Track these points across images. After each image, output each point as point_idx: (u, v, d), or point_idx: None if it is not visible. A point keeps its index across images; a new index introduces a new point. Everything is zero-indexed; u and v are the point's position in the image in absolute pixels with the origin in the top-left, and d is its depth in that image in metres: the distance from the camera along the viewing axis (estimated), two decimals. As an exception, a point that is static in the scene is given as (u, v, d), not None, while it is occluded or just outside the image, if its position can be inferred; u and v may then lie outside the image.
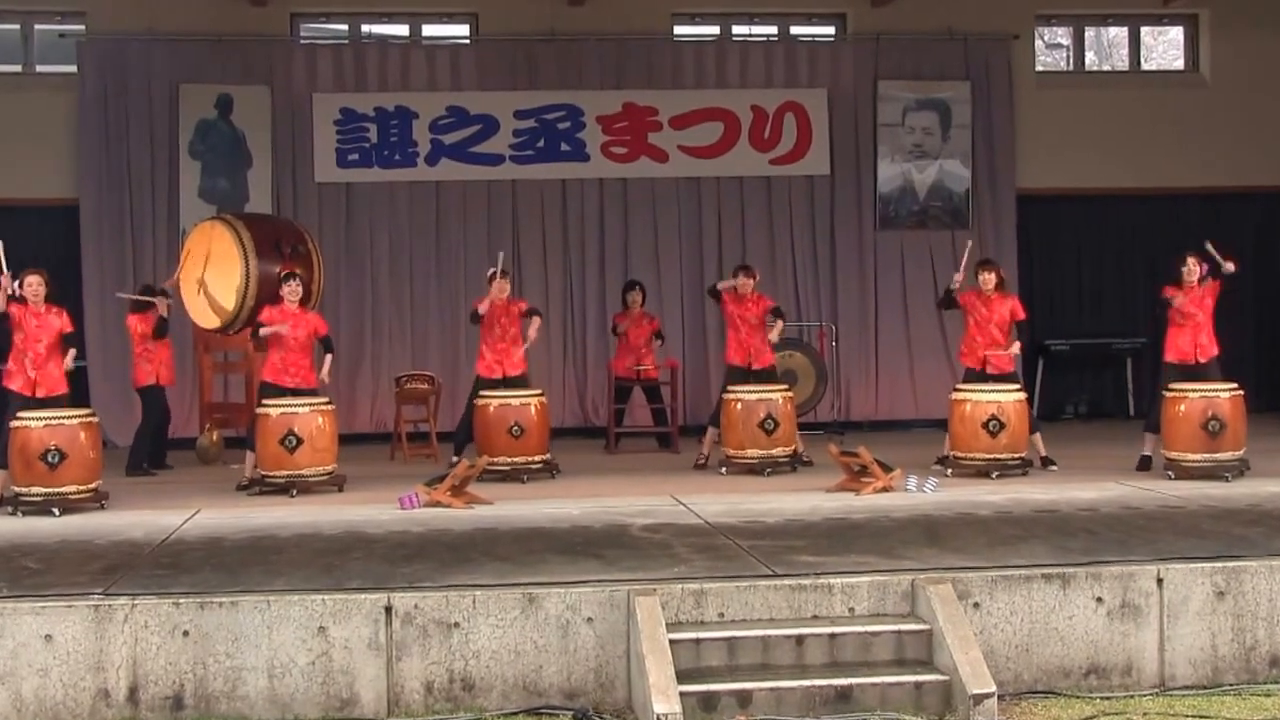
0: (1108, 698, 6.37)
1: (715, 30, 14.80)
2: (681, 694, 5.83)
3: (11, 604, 6.18)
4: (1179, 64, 15.87)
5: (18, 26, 14.10)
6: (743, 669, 6.17)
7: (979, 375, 10.32)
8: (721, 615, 6.36)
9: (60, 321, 9.36)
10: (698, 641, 6.20)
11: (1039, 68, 15.27)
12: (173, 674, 6.13)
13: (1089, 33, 15.88)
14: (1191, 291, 9.98)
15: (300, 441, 9.45)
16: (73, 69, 13.67)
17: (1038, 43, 15.46)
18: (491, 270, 10.96)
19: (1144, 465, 10.12)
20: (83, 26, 13.84)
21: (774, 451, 10.37)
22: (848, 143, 14.43)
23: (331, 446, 9.69)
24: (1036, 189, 14.56)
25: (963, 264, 10.57)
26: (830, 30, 14.93)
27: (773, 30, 14.82)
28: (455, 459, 10.35)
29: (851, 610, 6.43)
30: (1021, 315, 10.50)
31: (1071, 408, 14.83)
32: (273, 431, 9.48)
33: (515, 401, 10.31)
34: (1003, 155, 14.55)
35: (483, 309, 10.73)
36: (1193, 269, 9.97)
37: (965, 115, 14.43)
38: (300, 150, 13.87)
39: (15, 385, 9.24)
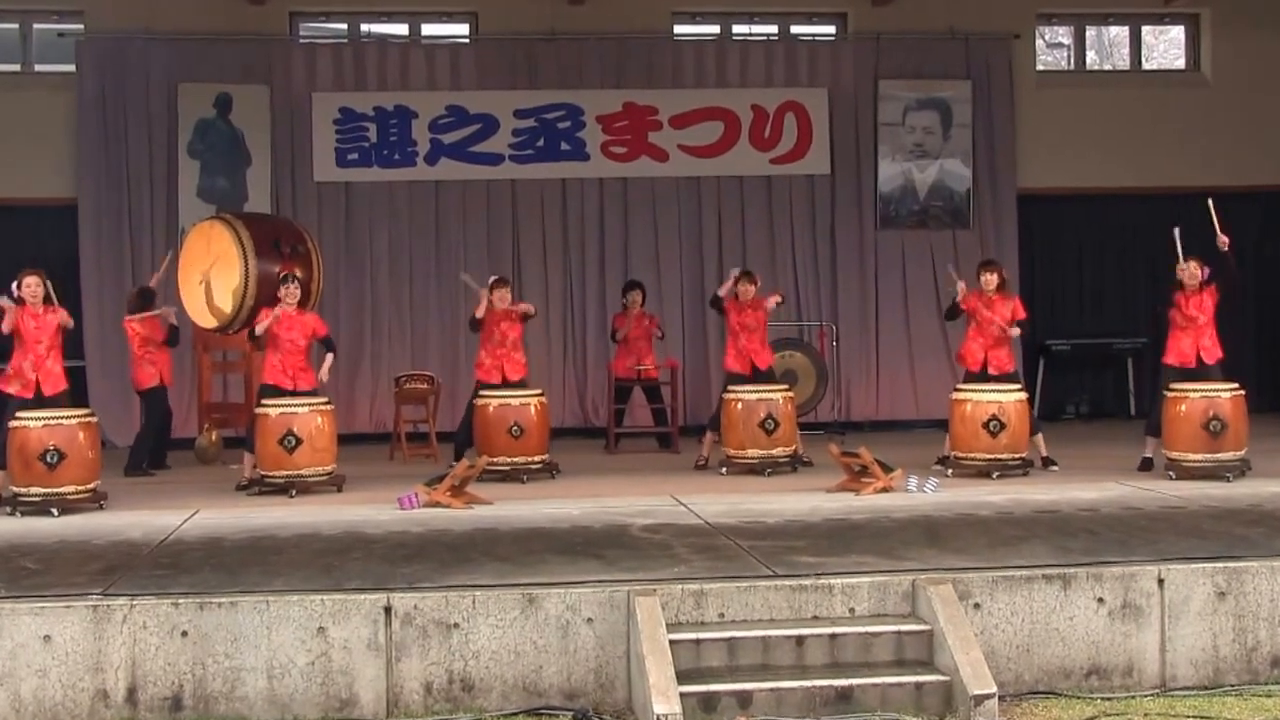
0: (1109, 698, 6.36)
1: (715, 29, 14.78)
2: (682, 694, 5.82)
3: (10, 604, 6.16)
4: (1180, 63, 15.85)
5: (16, 26, 14.09)
6: (743, 669, 6.16)
7: (979, 376, 10.31)
8: (722, 616, 6.35)
9: (57, 317, 9.33)
10: (698, 642, 6.19)
11: (1040, 67, 15.27)
12: (171, 675, 6.12)
13: (1090, 32, 15.85)
14: (1194, 295, 9.95)
15: (299, 441, 9.44)
16: (71, 68, 13.65)
17: (1039, 42, 15.44)
18: (493, 277, 10.92)
19: (1145, 466, 10.10)
20: (81, 26, 13.82)
21: (774, 452, 10.35)
22: (848, 142, 14.42)
23: (331, 446, 9.67)
24: (1037, 188, 14.55)
25: (960, 286, 10.50)
26: (831, 29, 14.92)
27: (773, 29, 14.81)
28: (454, 465, 10.31)
29: (852, 611, 6.42)
30: (1022, 315, 10.49)
31: (1072, 408, 14.82)
32: (272, 431, 9.47)
33: (515, 401, 10.30)
34: (1003, 155, 14.54)
35: (480, 313, 10.69)
36: (1194, 273, 9.94)
37: (966, 115, 14.42)
38: (299, 150, 13.86)
39: (13, 389, 9.21)
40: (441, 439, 11.87)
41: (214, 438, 11.91)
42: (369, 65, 14.07)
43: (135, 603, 6.17)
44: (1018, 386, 10.18)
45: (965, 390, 10.09)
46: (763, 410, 10.34)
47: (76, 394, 10.05)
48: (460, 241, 14.03)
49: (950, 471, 9.89)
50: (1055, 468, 10.30)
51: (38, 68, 14.14)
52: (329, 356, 10.17)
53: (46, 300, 9.31)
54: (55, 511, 8.71)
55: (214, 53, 13.64)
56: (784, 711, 5.98)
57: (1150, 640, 6.52)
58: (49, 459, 8.72)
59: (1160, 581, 6.55)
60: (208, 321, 11.36)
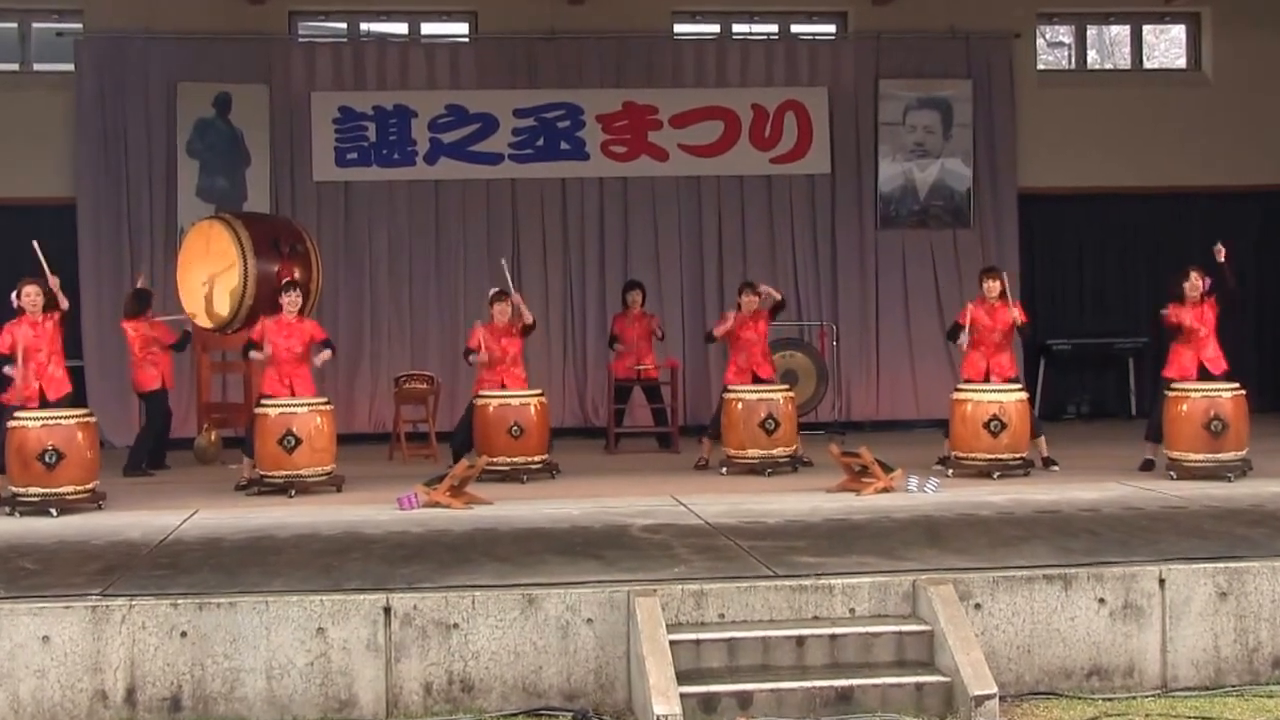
0: (1110, 699, 6.35)
1: (716, 28, 14.77)
2: (682, 695, 5.81)
3: (9, 605, 6.15)
4: (1181, 63, 15.84)
5: (15, 25, 14.07)
6: (743, 670, 6.15)
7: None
8: (722, 616, 6.34)
9: (55, 320, 9.29)
10: (698, 642, 6.18)
11: (1041, 66, 15.25)
12: (170, 675, 6.11)
13: (1091, 31, 15.83)
14: (1194, 307, 9.92)
15: (299, 441, 9.42)
16: (70, 67, 13.64)
17: (1039, 41, 15.43)
18: (494, 290, 10.88)
19: (1146, 466, 10.08)
20: (80, 25, 13.80)
21: (775, 452, 10.34)
22: (849, 141, 14.40)
23: (330, 446, 9.66)
24: (1038, 188, 14.53)
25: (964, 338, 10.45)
26: (831, 28, 14.90)
27: (773, 28, 14.79)
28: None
29: (852, 611, 6.41)
30: (1024, 319, 10.44)
31: (1073, 408, 14.80)
32: (271, 431, 9.45)
33: (515, 401, 10.28)
34: (1004, 154, 14.53)
35: (475, 345, 10.53)
36: (1195, 283, 9.90)
37: (967, 114, 14.40)
38: (299, 149, 13.84)
39: (16, 400, 9.17)
40: (441, 439, 11.85)
41: (213, 438, 11.89)
42: (368, 64, 14.05)
43: (134, 603, 6.16)
44: (1018, 386, 10.17)
45: (966, 390, 10.08)
46: (763, 410, 10.32)
47: (75, 394, 10.01)
48: (460, 241, 14.02)
49: (951, 471, 9.87)
50: (1056, 468, 10.28)
51: (36, 67, 14.13)
52: (326, 350, 10.14)
53: (46, 308, 9.25)
54: (54, 512, 8.70)
55: (213, 52, 13.63)
56: (784, 712, 5.97)
57: (1151, 641, 6.51)
58: (47, 459, 8.70)
59: (1161, 582, 6.54)
60: (205, 321, 11.36)
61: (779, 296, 11.17)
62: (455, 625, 6.20)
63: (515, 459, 10.12)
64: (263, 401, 9.70)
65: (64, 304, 9.36)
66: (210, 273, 11.32)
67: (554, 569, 6.70)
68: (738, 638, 6.23)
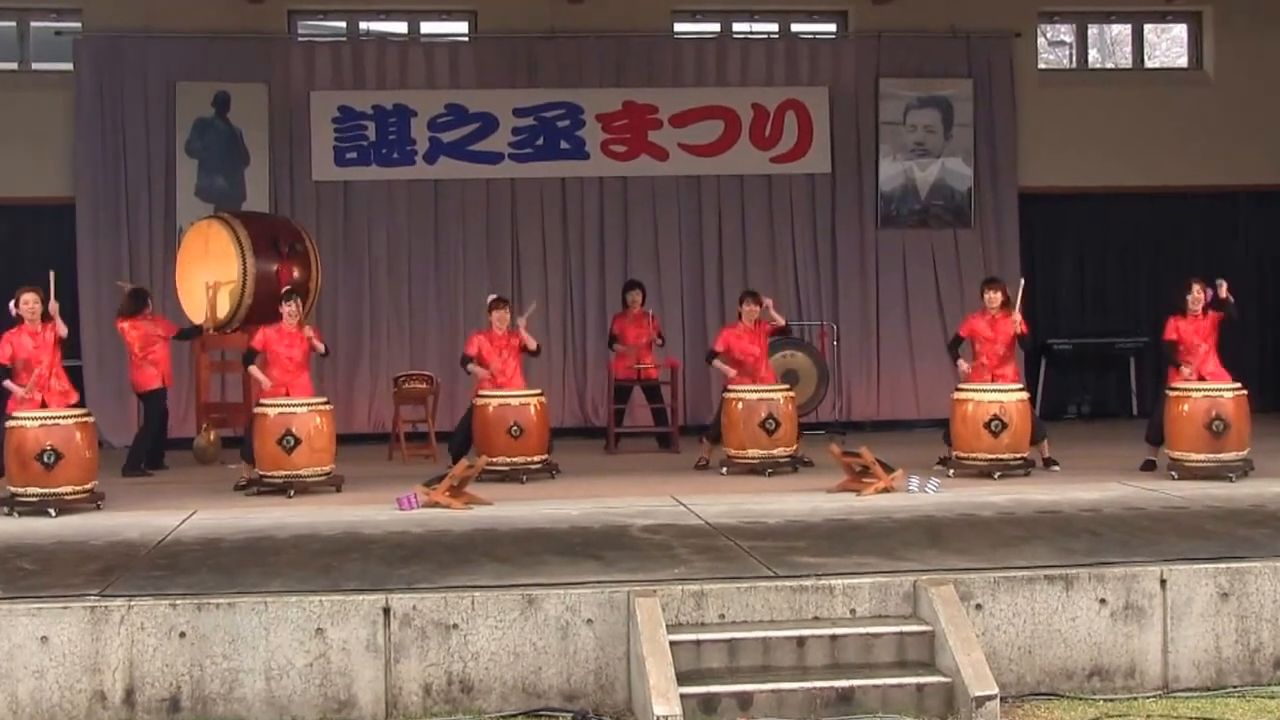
0: (1111, 699, 6.33)
1: (716, 27, 14.75)
2: (682, 696, 5.80)
3: (7, 605, 6.13)
4: (1182, 62, 15.82)
5: (13, 24, 14.05)
6: (743, 671, 6.13)
7: None
8: (722, 617, 6.32)
9: (55, 334, 9.18)
10: (698, 643, 6.16)
11: (1041, 65, 15.24)
12: (169, 676, 6.09)
13: (1092, 30, 15.81)
14: (1195, 320, 9.89)
15: (298, 442, 9.40)
16: (69, 67, 13.62)
17: (1040, 40, 15.41)
18: (492, 297, 10.85)
19: (1148, 466, 10.07)
20: (79, 24, 13.78)
21: (775, 452, 10.32)
22: (849, 141, 14.39)
23: (329, 447, 9.64)
24: (1039, 187, 14.52)
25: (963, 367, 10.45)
26: (832, 27, 14.89)
27: (774, 27, 14.78)
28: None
29: (853, 611, 6.39)
30: (1025, 331, 10.39)
31: (1074, 407, 14.78)
32: (270, 431, 9.44)
33: (515, 401, 10.26)
34: (1005, 153, 14.51)
35: (472, 351, 10.54)
36: (1197, 296, 9.87)
37: (967, 113, 14.38)
38: (298, 148, 13.82)
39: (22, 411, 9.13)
40: (440, 439, 11.83)
41: (212, 438, 11.87)
42: (368, 64, 14.03)
43: (133, 604, 6.14)
44: (1019, 386, 10.14)
45: (967, 390, 10.06)
46: (763, 410, 10.30)
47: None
48: (459, 240, 14.00)
49: (952, 472, 9.86)
50: (1057, 468, 10.26)
51: (35, 66, 14.11)
52: (320, 345, 10.11)
53: (45, 317, 9.18)
54: (52, 512, 8.68)
55: (212, 51, 13.61)
56: (785, 713, 5.96)
57: (1153, 641, 6.50)
58: (46, 459, 8.68)
59: (1163, 582, 6.53)
60: (203, 320, 11.34)
61: (781, 323, 11.02)
62: (455, 626, 6.19)
63: (515, 459, 10.10)
64: (262, 401, 9.69)
65: (62, 331, 9.24)
66: (211, 274, 11.30)
67: (554, 569, 6.69)
68: (738, 638, 6.21)
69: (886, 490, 9.04)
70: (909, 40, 14.35)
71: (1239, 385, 9.65)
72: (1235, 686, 6.48)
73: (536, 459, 10.23)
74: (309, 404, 9.63)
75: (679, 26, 14.56)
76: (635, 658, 6.08)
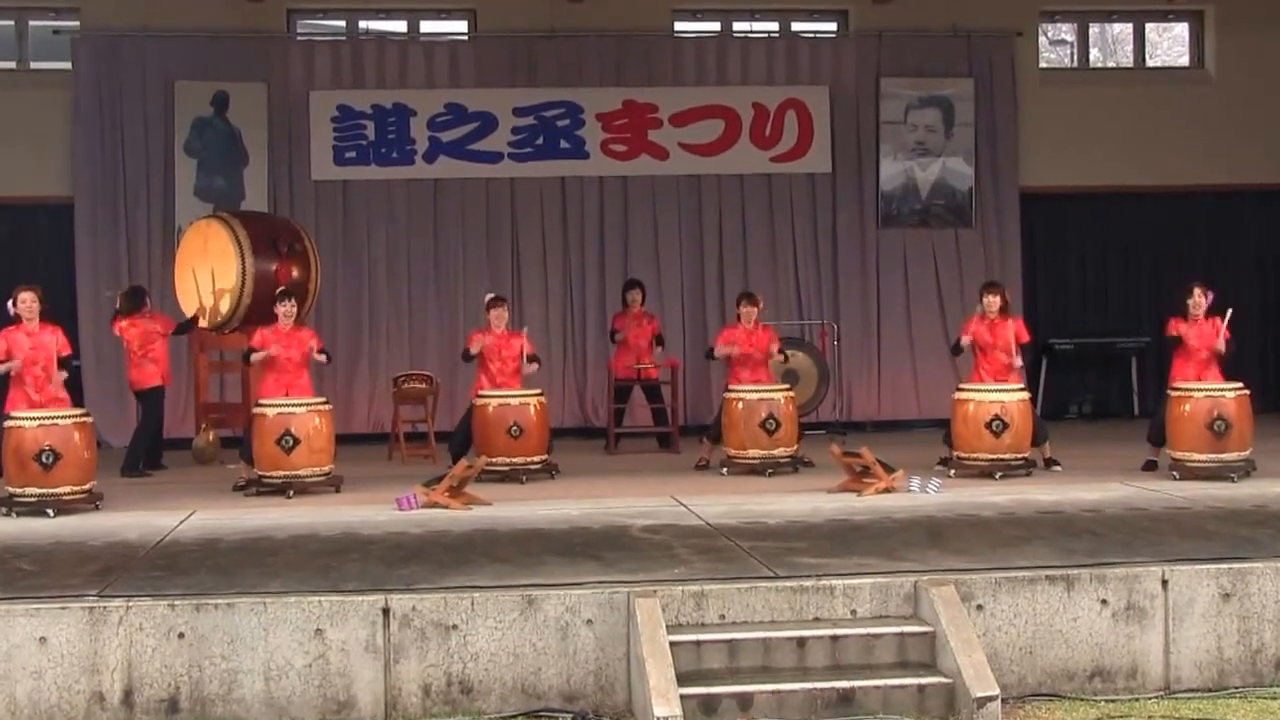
0: (1112, 700, 6.32)
1: (716, 26, 14.74)
2: (682, 696, 5.78)
3: (5, 606, 6.12)
4: (1184, 61, 15.79)
5: (12, 23, 14.04)
6: (744, 671, 6.12)
7: None
8: (722, 617, 6.31)
9: (56, 341, 9.14)
10: (698, 644, 6.15)
11: (1043, 64, 15.21)
12: (168, 677, 6.08)
13: (1093, 29, 15.80)
14: (1196, 324, 9.86)
15: (297, 442, 9.38)
16: (67, 66, 13.60)
17: (1041, 39, 15.39)
18: (490, 296, 10.83)
19: (1149, 467, 10.05)
20: (77, 23, 13.76)
21: (775, 452, 10.30)
22: (850, 140, 14.37)
23: (328, 447, 9.62)
24: (1040, 187, 14.50)
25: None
26: (832, 26, 14.88)
27: (774, 26, 14.76)
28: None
29: (854, 612, 6.38)
30: (1026, 338, 10.36)
31: (1075, 407, 14.75)
32: (269, 432, 9.42)
33: (514, 401, 10.24)
34: (1006, 153, 14.49)
35: (475, 349, 10.55)
36: (1199, 300, 9.84)
37: (968, 112, 14.36)
38: (297, 148, 13.81)
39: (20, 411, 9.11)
40: (440, 439, 11.81)
41: (211, 438, 11.85)
42: (367, 63, 14.01)
43: (131, 604, 6.12)
44: (1020, 386, 10.12)
45: (968, 390, 10.04)
46: (764, 410, 10.28)
47: (72, 394, 9.97)
48: (459, 240, 13.98)
49: (952, 472, 9.84)
50: (1058, 468, 10.25)
51: (33, 65, 14.09)
52: (322, 356, 10.11)
53: (43, 317, 9.14)
54: (51, 512, 8.66)
55: (211, 50, 13.59)
56: (785, 713, 5.95)
57: (1154, 642, 6.48)
58: (44, 459, 8.66)
59: (1164, 583, 6.51)
60: (203, 320, 11.32)
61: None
62: (454, 626, 6.17)
63: (515, 459, 10.08)
64: (261, 401, 9.67)
65: (65, 350, 9.22)
66: (211, 275, 11.28)
67: (553, 570, 6.67)
68: (738, 639, 6.19)
69: (887, 490, 9.02)
70: (910, 39, 14.32)
71: (1241, 385, 9.63)
72: (1237, 687, 6.47)
73: (536, 459, 10.21)
74: (308, 404, 9.61)
75: (679, 26, 14.55)
76: (635, 658, 6.06)
